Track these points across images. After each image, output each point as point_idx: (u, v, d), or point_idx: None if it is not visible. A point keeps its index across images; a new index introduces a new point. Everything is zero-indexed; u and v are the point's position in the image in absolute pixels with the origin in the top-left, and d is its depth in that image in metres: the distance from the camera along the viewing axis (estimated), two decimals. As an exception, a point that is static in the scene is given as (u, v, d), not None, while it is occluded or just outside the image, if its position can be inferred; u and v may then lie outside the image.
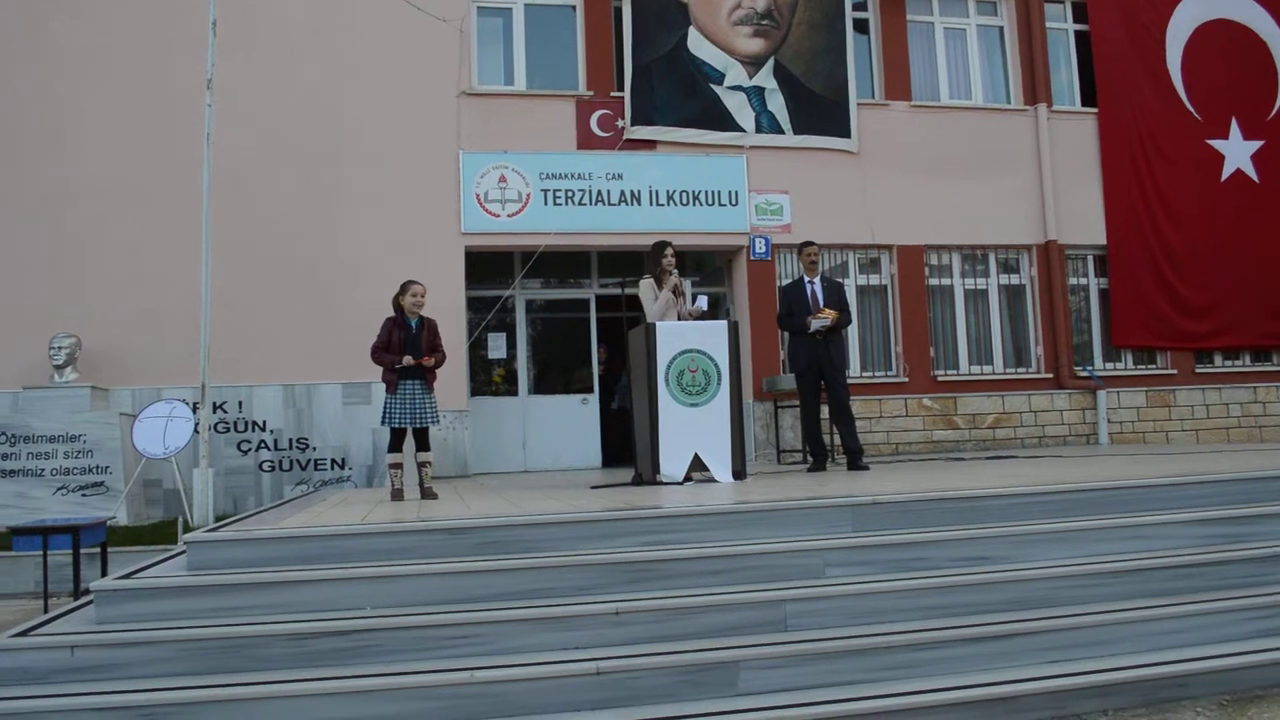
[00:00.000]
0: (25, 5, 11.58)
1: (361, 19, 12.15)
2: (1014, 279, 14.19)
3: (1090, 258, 14.43)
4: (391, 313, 7.50)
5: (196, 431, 9.65)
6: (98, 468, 9.90)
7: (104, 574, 7.00)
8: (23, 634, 4.45)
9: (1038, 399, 13.76)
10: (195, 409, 9.80)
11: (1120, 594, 5.02)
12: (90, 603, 4.81)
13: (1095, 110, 14.41)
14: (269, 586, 4.67)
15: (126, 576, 4.89)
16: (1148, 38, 14.62)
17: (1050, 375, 13.86)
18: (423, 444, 7.51)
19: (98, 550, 7.57)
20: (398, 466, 7.49)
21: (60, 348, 10.58)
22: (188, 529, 8.30)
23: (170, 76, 11.40)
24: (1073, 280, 14.32)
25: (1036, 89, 14.19)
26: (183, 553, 5.29)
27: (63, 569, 7.33)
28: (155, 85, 11.54)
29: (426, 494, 7.40)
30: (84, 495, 9.80)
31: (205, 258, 9.65)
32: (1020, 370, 13.95)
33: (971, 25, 14.51)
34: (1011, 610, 4.83)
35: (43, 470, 9.86)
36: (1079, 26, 14.77)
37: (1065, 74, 14.76)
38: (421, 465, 7.52)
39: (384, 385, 7.42)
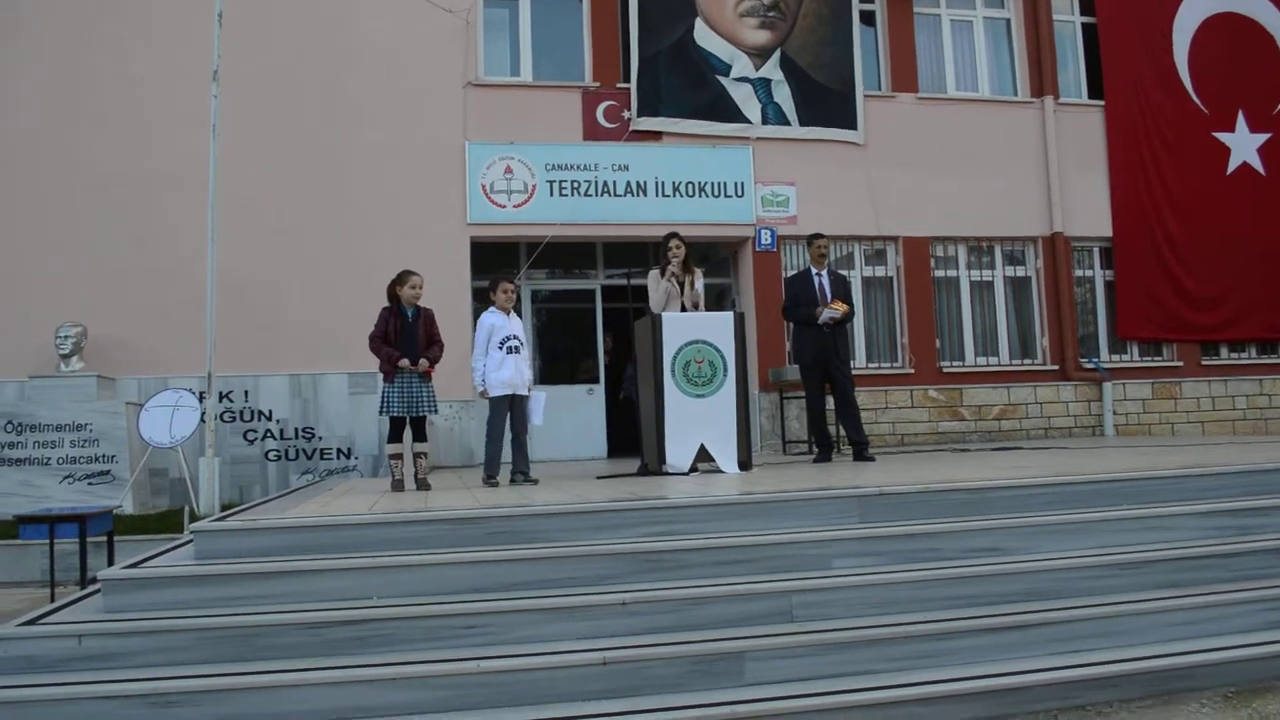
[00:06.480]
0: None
1: (369, 9, 12.13)
2: (1020, 271, 14.17)
3: (1096, 250, 14.41)
4: (387, 302, 7.45)
5: (203, 420, 9.67)
6: (104, 456, 9.91)
7: (111, 563, 7.05)
8: (30, 623, 4.46)
9: (1043, 390, 13.74)
10: (201, 398, 9.81)
11: (1129, 585, 5.02)
12: (98, 592, 4.81)
13: (1101, 103, 14.38)
14: (277, 576, 4.67)
15: (134, 566, 4.90)
16: (1154, 30, 14.58)
17: (1056, 367, 13.85)
18: (419, 434, 7.48)
19: (104, 539, 7.58)
20: (398, 457, 7.48)
21: (67, 336, 10.59)
22: (194, 518, 8.32)
23: (178, 65, 11.38)
24: (1078, 272, 14.29)
25: (1043, 81, 14.15)
26: (189, 542, 5.29)
27: (69, 557, 7.34)
28: (163, 74, 11.52)
29: (421, 485, 7.36)
30: (90, 484, 9.81)
31: (211, 247, 9.66)
32: (1026, 362, 13.93)
33: (978, 17, 14.47)
34: (1020, 601, 4.83)
35: (49, 459, 9.87)
36: (1086, 19, 14.72)
37: (1072, 67, 14.72)
38: (417, 456, 7.50)
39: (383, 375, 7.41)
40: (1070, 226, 13.98)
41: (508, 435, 7.74)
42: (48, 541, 6.98)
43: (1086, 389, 13.90)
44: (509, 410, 7.69)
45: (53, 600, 6.17)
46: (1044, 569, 5.03)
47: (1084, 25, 14.75)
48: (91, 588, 5.20)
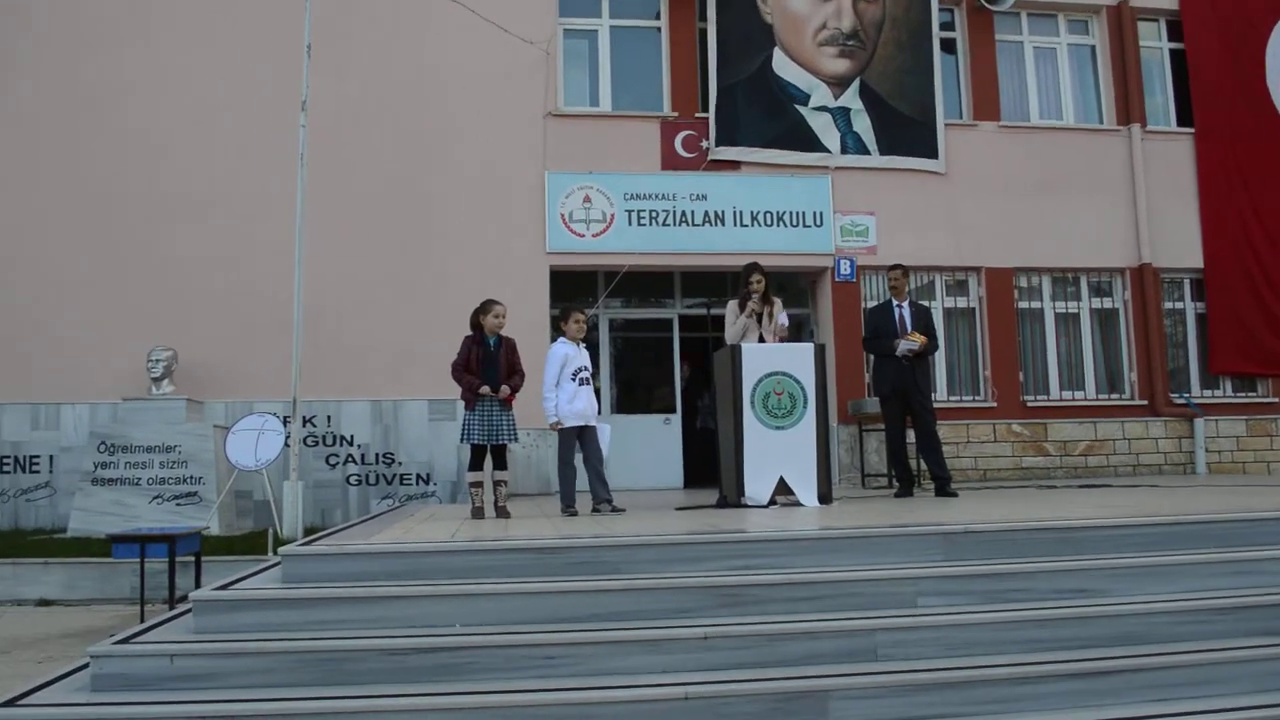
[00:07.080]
0: (130, 25, 12.00)
1: (450, 40, 12.36)
2: (1107, 302, 13.87)
3: (1187, 281, 14.06)
4: (469, 330, 7.52)
5: (287, 445, 9.86)
6: (192, 478, 10.16)
7: (198, 583, 7.21)
8: (124, 641, 4.55)
9: (1132, 426, 13.39)
10: (286, 422, 10.01)
11: (1222, 632, 4.83)
12: (188, 612, 4.90)
13: (1191, 130, 14.05)
14: (363, 601, 4.72)
15: (224, 587, 4.98)
16: (1246, 56, 14.22)
17: (1145, 402, 13.49)
18: (500, 462, 7.53)
19: (192, 559, 7.76)
20: (478, 485, 7.50)
21: (158, 360, 10.90)
22: (278, 540, 8.47)
23: (268, 96, 11.70)
24: (1168, 304, 13.95)
25: (1130, 109, 13.89)
26: (277, 564, 5.38)
27: (157, 576, 7.54)
28: (253, 104, 11.86)
29: (500, 512, 7.39)
30: (178, 505, 10.06)
31: (298, 274, 9.88)
32: (1113, 396, 13.61)
33: (1062, 44, 14.27)
34: (1110, 645, 4.68)
35: (140, 479, 10.15)
36: (1174, 45, 14.43)
37: (1160, 93, 14.43)
38: (497, 484, 7.54)
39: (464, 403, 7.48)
40: (1159, 257, 13.65)
41: (583, 467, 7.72)
42: (138, 560, 7.17)
43: (1177, 425, 13.52)
44: (579, 439, 7.72)
45: (142, 619, 6.32)
46: (1134, 612, 4.87)
47: (1172, 51, 14.45)
48: (182, 608, 5.31)
